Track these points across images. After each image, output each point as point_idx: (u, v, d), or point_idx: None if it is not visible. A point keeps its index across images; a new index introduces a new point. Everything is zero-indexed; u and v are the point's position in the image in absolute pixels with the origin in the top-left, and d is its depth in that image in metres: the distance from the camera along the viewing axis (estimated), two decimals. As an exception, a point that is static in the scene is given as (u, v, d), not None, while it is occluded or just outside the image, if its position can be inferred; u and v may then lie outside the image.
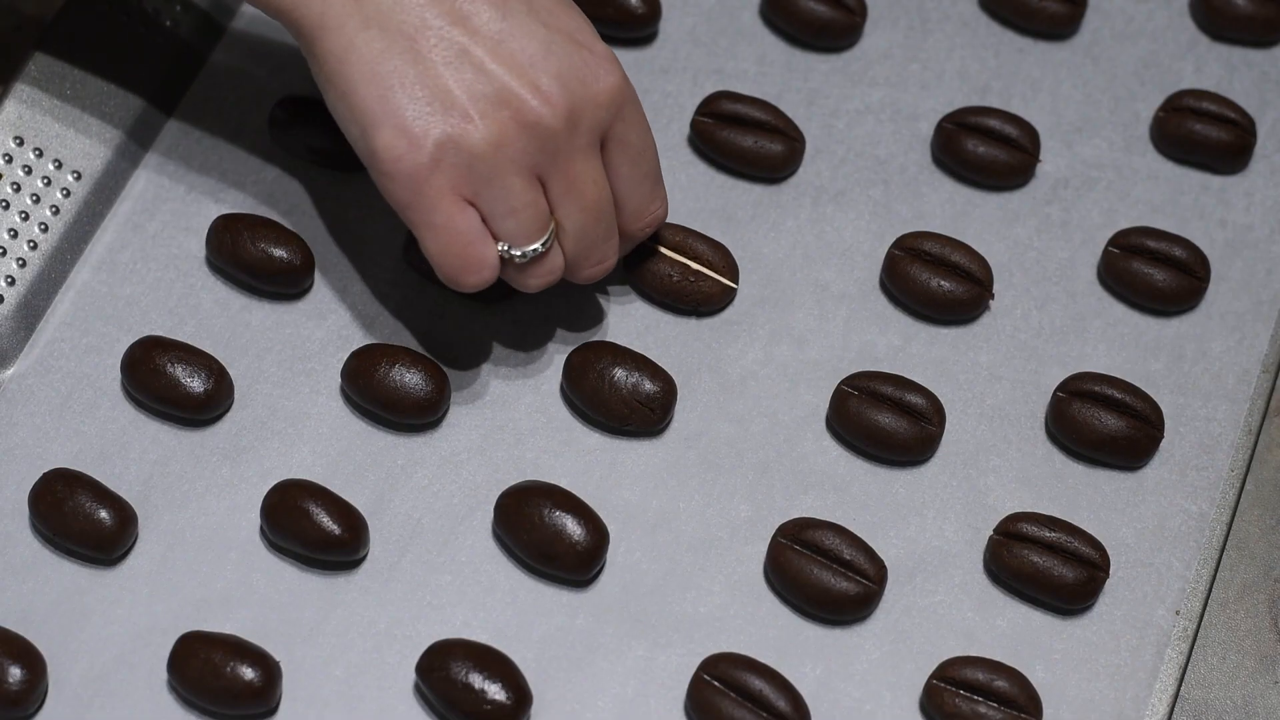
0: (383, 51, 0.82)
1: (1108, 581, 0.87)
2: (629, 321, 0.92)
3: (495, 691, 0.83)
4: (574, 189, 0.84)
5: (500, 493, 0.88)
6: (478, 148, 0.82)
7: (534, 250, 0.84)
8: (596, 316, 0.92)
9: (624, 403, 0.89)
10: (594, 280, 0.87)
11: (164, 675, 0.84)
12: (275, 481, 0.87)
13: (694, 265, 0.90)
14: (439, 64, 0.82)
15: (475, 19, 0.82)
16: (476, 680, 0.83)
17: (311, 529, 0.85)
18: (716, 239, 0.93)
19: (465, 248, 0.83)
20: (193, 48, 0.97)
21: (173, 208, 0.94)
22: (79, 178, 0.93)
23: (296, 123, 0.94)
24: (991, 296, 0.93)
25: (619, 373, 0.89)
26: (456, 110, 0.81)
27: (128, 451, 0.89)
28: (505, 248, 0.84)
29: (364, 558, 0.87)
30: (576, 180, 0.84)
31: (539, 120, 0.82)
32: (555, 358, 0.91)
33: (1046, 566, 0.86)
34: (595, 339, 0.91)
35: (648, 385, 0.89)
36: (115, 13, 0.96)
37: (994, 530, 0.88)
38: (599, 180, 0.85)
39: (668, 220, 0.93)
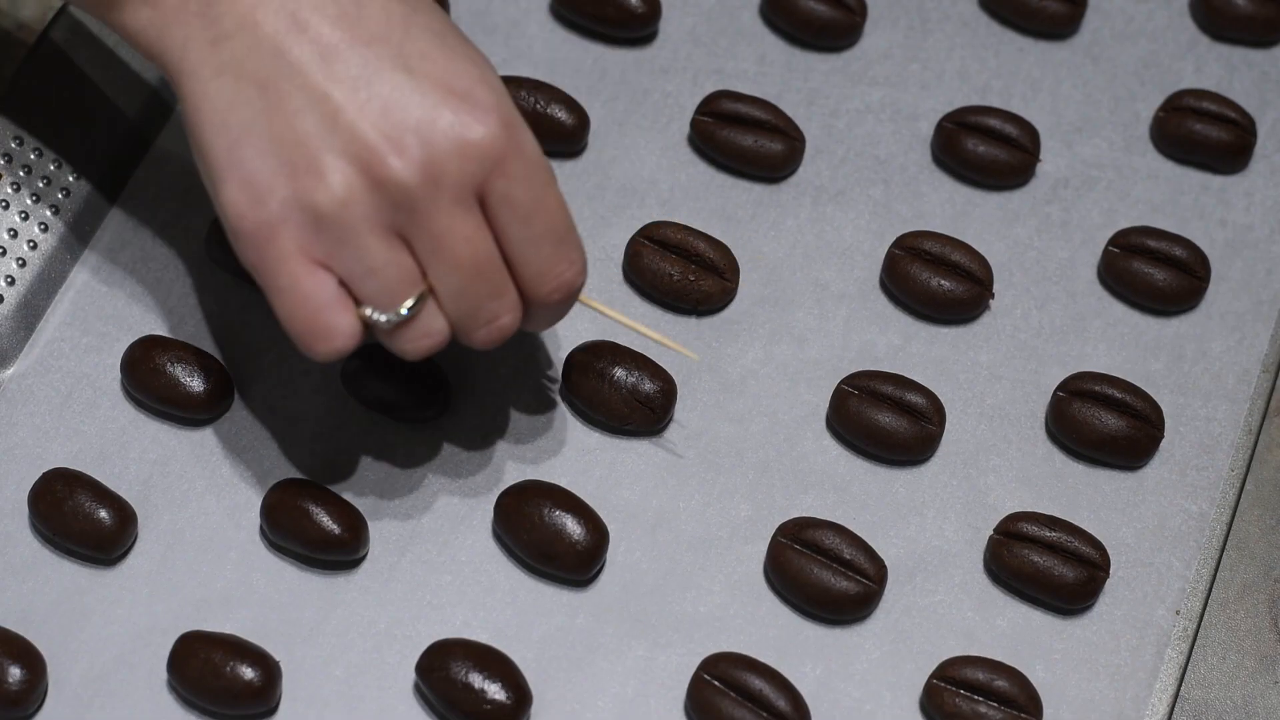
0: (232, 100, 0.76)
1: (1108, 581, 0.87)
2: (629, 321, 0.92)
3: (495, 691, 0.83)
4: (442, 249, 0.77)
5: (500, 493, 0.88)
6: (325, 206, 0.75)
7: (401, 314, 0.77)
8: (597, 317, 0.92)
9: (624, 402, 0.89)
10: (492, 343, 0.80)
11: (164, 675, 0.84)
12: (275, 481, 0.87)
13: (652, 334, 0.88)
14: (289, 114, 0.76)
15: (335, 63, 0.76)
16: (476, 680, 0.83)
17: (311, 529, 0.85)
18: (717, 239, 0.93)
19: (313, 314, 0.77)
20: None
21: (173, 208, 0.94)
22: (79, 178, 0.93)
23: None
24: (991, 296, 0.93)
25: (619, 372, 0.89)
26: (304, 165, 0.76)
27: (128, 451, 0.89)
28: (370, 312, 0.77)
29: (364, 558, 0.87)
30: (444, 239, 0.77)
31: (390, 176, 0.75)
32: (555, 358, 0.91)
33: (1046, 566, 0.86)
34: (595, 339, 0.91)
35: (648, 385, 0.89)
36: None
37: (994, 530, 0.88)
38: (472, 237, 0.77)
39: (668, 220, 0.93)
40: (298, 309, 0.77)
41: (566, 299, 0.81)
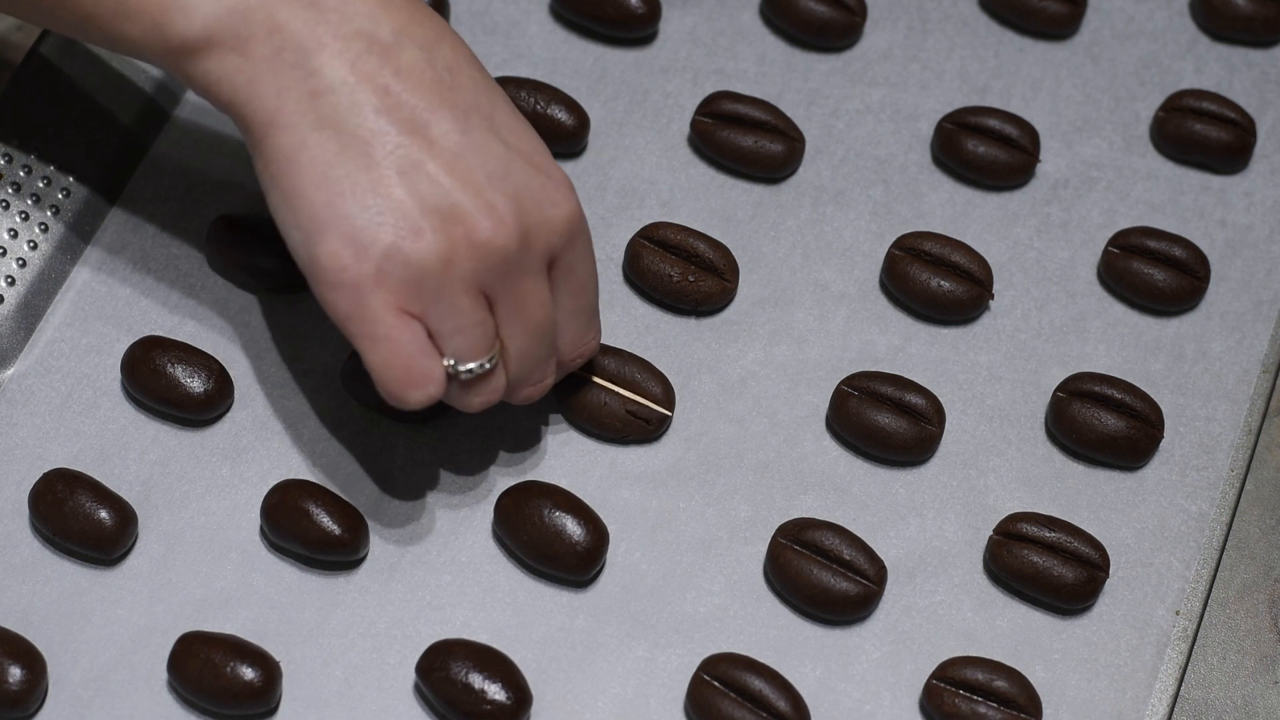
0: (336, 155, 0.78)
1: (1108, 581, 0.87)
2: (629, 321, 0.92)
3: (495, 691, 0.83)
4: (521, 311, 0.81)
5: (500, 493, 0.88)
6: (427, 263, 0.78)
7: (480, 368, 0.81)
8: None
9: (617, 417, 0.89)
10: (530, 401, 0.84)
11: (164, 675, 0.84)
12: (275, 481, 0.88)
13: (630, 395, 0.89)
14: (392, 173, 0.78)
15: (433, 130, 0.79)
16: (476, 680, 0.83)
17: (311, 529, 0.85)
18: (717, 239, 0.93)
19: (409, 360, 0.79)
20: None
21: (172, 208, 0.94)
22: (79, 178, 0.93)
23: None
24: (991, 296, 0.93)
25: (609, 399, 0.89)
26: (407, 223, 0.78)
27: (128, 451, 0.89)
28: (451, 363, 0.80)
29: (364, 558, 0.87)
30: (524, 302, 0.81)
31: (491, 240, 0.79)
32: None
33: (1046, 566, 0.86)
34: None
35: (640, 405, 0.89)
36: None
37: (994, 530, 0.88)
38: (545, 303, 0.82)
39: (668, 220, 0.94)
40: (394, 357, 0.79)
41: (577, 362, 0.86)
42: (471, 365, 0.80)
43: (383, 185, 0.78)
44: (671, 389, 0.90)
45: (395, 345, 0.79)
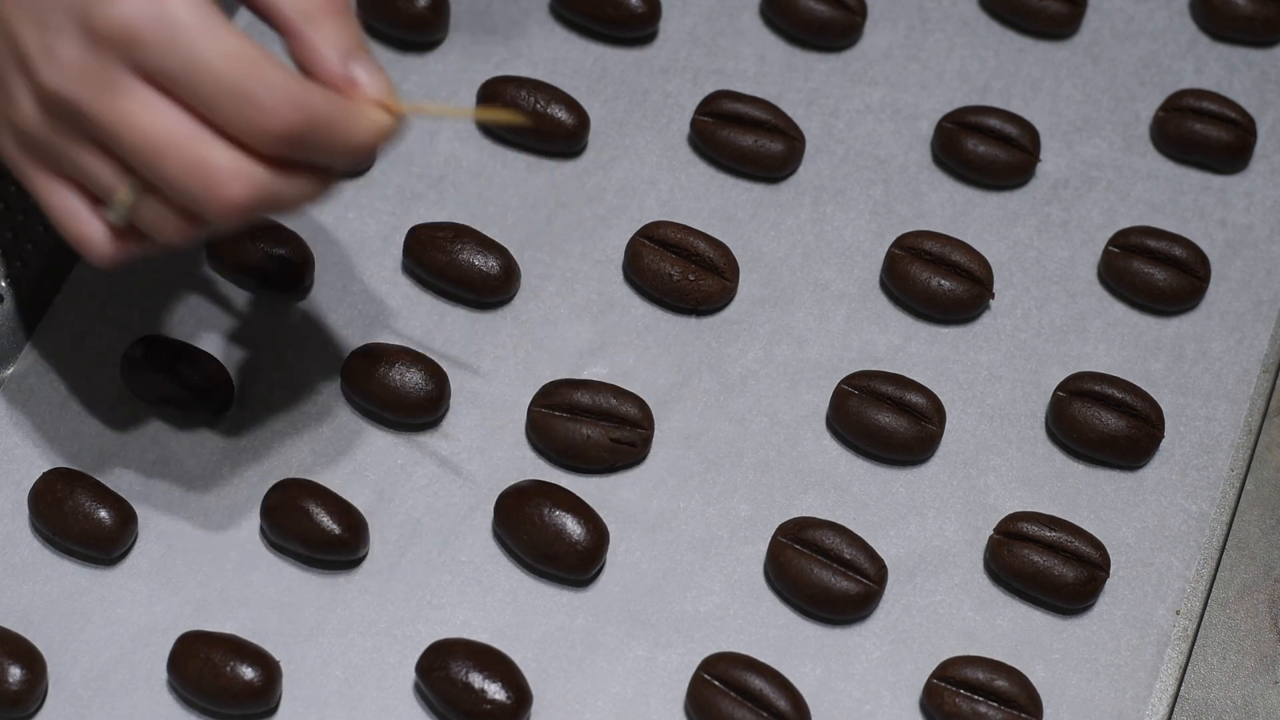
0: None
1: (1108, 581, 0.87)
2: (629, 321, 0.92)
3: (495, 691, 0.83)
4: (115, 140, 0.74)
5: (500, 493, 0.88)
6: (21, 124, 0.75)
7: (121, 211, 0.75)
8: (598, 316, 0.92)
9: (603, 449, 0.89)
10: (228, 219, 0.74)
11: (164, 675, 0.84)
12: (275, 481, 0.87)
13: (463, 111, 0.84)
14: None
15: None
16: (476, 680, 0.83)
17: (311, 529, 0.85)
18: (717, 239, 0.93)
19: (66, 226, 0.76)
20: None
21: (173, 208, 0.94)
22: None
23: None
24: (992, 296, 0.93)
25: (586, 428, 0.89)
26: (5, 90, 0.75)
27: (128, 451, 0.89)
28: (106, 210, 0.76)
29: (364, 558, 0.87)
30: (112, 131, 0.73)
31: (45, 85, 0.73)
32: (556, 359, 0.91)
33: (1047, 566, 0.86)
34: (596, 342, 0.91)
35: (624, 420, 0.89)
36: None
37: (994, 530, 0.88)
38: (140, 121, 0.73)
39: (668, 220, 0.93)
40: (56, 223, 0.77)
41: (285, 146, 0.74)
42: (113, 211, 0.75)
43: None
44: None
45: (51, 210, 0.77)
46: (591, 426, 0.88)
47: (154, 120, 0.73)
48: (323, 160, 0.75)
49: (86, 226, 0.76)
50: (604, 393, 0.89)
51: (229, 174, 0.73)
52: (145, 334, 0.91)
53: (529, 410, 0.89)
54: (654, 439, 0.90)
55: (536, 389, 0.90)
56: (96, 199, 0.76)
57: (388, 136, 0.76)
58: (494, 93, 0.95)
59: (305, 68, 0.76)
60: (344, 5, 0.76)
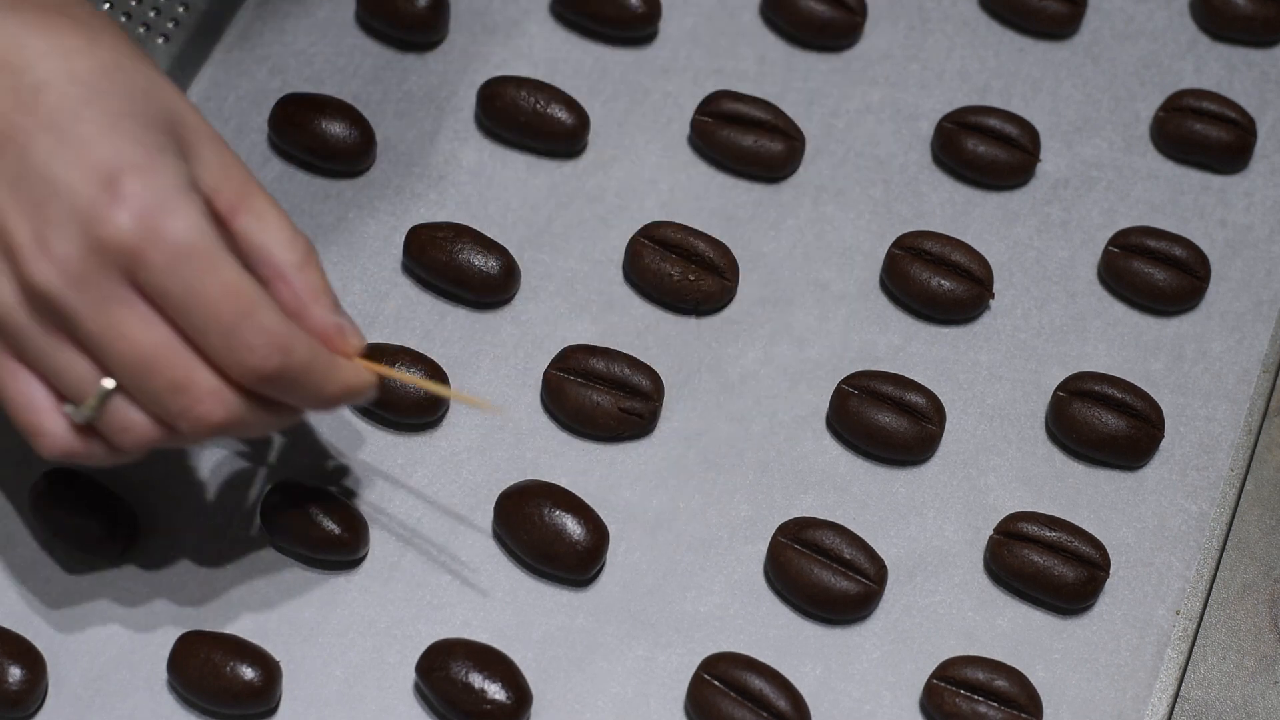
0: None
1: (1108, 581, 0.87)
2: (628, 321, 0.92)
3: (495, 691, 0.83)
4: (100, 348, 0.74)
5: (500, 493, 0.88)
6: None
7: (87, 413, 0.75)
8: (598, 316, 0.92)
9: (611, 416, 0.89)
10: (199, 436, 0.76)
11: (164, 675, 0.84)
12: (275, 481, 0.87)
13: (450, 394, 0.86)
14: None
15: (2, 156, 0.73)
16: (476, 680, 0.83)
17: (311, 529, 0.85)
18: (717, 239, 0.93)
19: (20, 415, 0.76)
20: (193, 47, 0.97)
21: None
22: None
23: (296, 122, 0.94)
24: (992, 296, 0.93)
25: (597, 395, 0.89)
26: None
27: (128, 451, 0.89)
28: (67, 408, 0.75)
29: (364, 558, 0.87)
30: (96, 338, 0.73)
31: (31, 281, 0.73)
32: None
33: (1047, 566, 0.86)
34: (595, 342, 0.91)
35: (635, 391, 0.89)
36: (116, 15, 0.96)
37: (994, 530, 0.88)
38: (131, 333, 0.73)
39: (668, 220, 0.93)
40: (9, 409, 0.76)
41: (263, 383, 0.76)
42: (78, 412, 0.75)
43: None
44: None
45: (8, 395, 0.76)
46: (602, 394, 0.88)
47: (144, 334, 0.74)
48: (292, 401, 0.77)
49: (43, 418, 0.76)
50: (619, 361, 0.89)
51: (209, 395, 0.75)
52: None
53: (545, 373, 0.89)
54: (654, 439, 0.90)
55: (537, 389, 0.90)
56: (58, 392, 0.76)
57: (358, 395, 0.79)
58: (494, 93, 0.95)
59: (293, 312, 0.77)
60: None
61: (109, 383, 0.75)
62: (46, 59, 0.74)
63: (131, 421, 0.76)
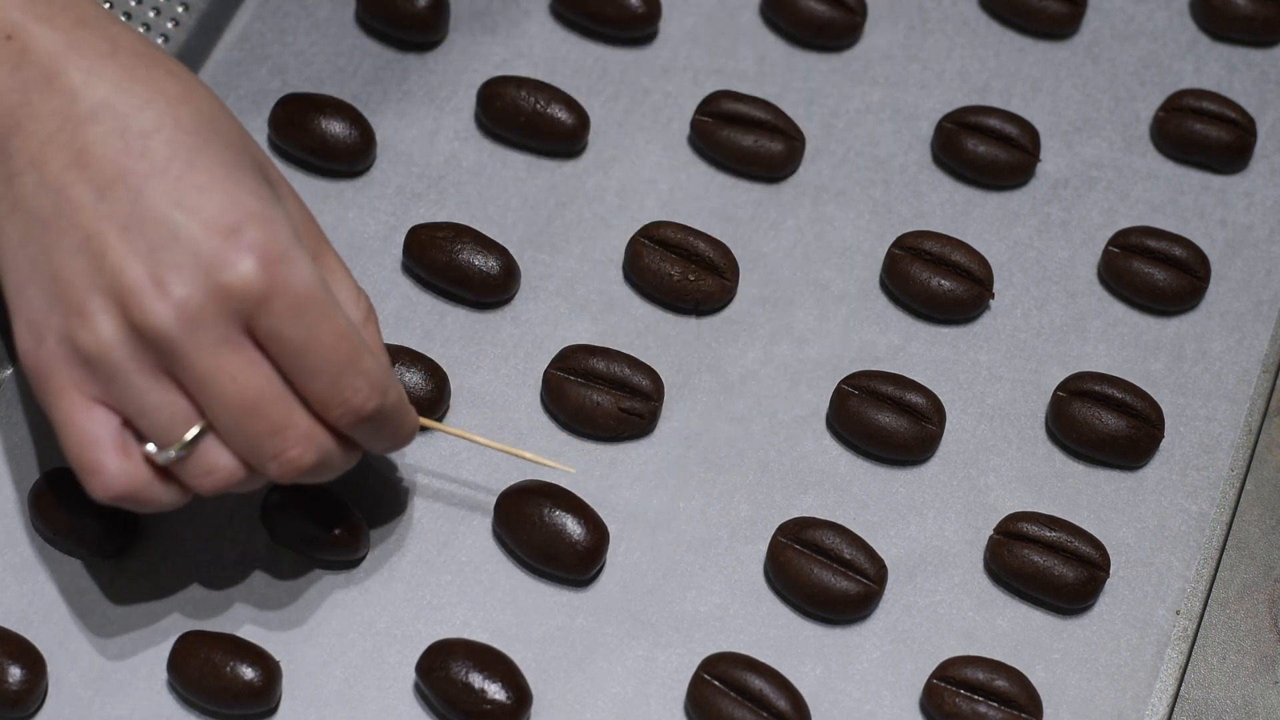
0: (22, 239, 0.76)
1: (1108, 581, 0.87)
2: (628, 321, 0.92)
3: (495, 691, 0.83)
4: (206, 388, 0.76)
5: (500, 493, 0.88)
6: (90, 348, 0.75)
7: (173, 454, 0.76)
8: (598, 316, 0.92)
9: (611, 416, 0.89)
10: (287, 478, 0.78)
11: (164, 675, 0.84)
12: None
13: (514, 451, 0.86)
14: (65, 253, 0.75)
15: (110, 200, 0.75)
16: (476, 680, 0.83)
17: (311, 529, 0.85)
18: (717, 239, 0.93)
19: (81, 450, 0.76)
20: (193, 47, 0.97)
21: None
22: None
23: (296, 122, 0.94)
24: (992, 296, 0.93)
25: (597, 395, 0.89)
26: (74, 306, 0.75)
27: (128, 451, 0.89)
28: (150, 448, 0.76)
29: (364, 558, 0.87)
30: (207, 379, 0.75)
31: (147, 320, 0.74)
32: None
33: (1047, 566, 0.86)
34: (595, 342, 0.91)
35: (635, 391, 0.89)
36: (116, 15, 0.96)
37: (994, 530, 0.88)
38: (238, 376, 0.75)
39: (668, 220, 0.93)
40: (69, 444, 0.77)
41: (359, 424, 0.78)
42: (164, 452, 0.77)
43: (55, 268, 0.75)
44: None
45: (67, 430, 0.76)
46: (602, 394, 0.88)
47: (252, 377, 0.76)
48: (375, 442, 0.80)
49: (105, 456, 0.77)
50: (619, 361, 0.89)
51: (305, 438, 0.77)
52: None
53: (545, 373, 0.89)
54: (654, 439, 0.90)
55: (537, 389, 0.90)
56: (136, 432, 0.77)
57: (413, 438, 0.82)
58: (494, 93, 0.95)
59: None
60: None
61: (199, 425, 0.76)
62: (151, 106, 0.77)
63: (218, 464, 0.77)
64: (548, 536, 0.86)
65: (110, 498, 0.77)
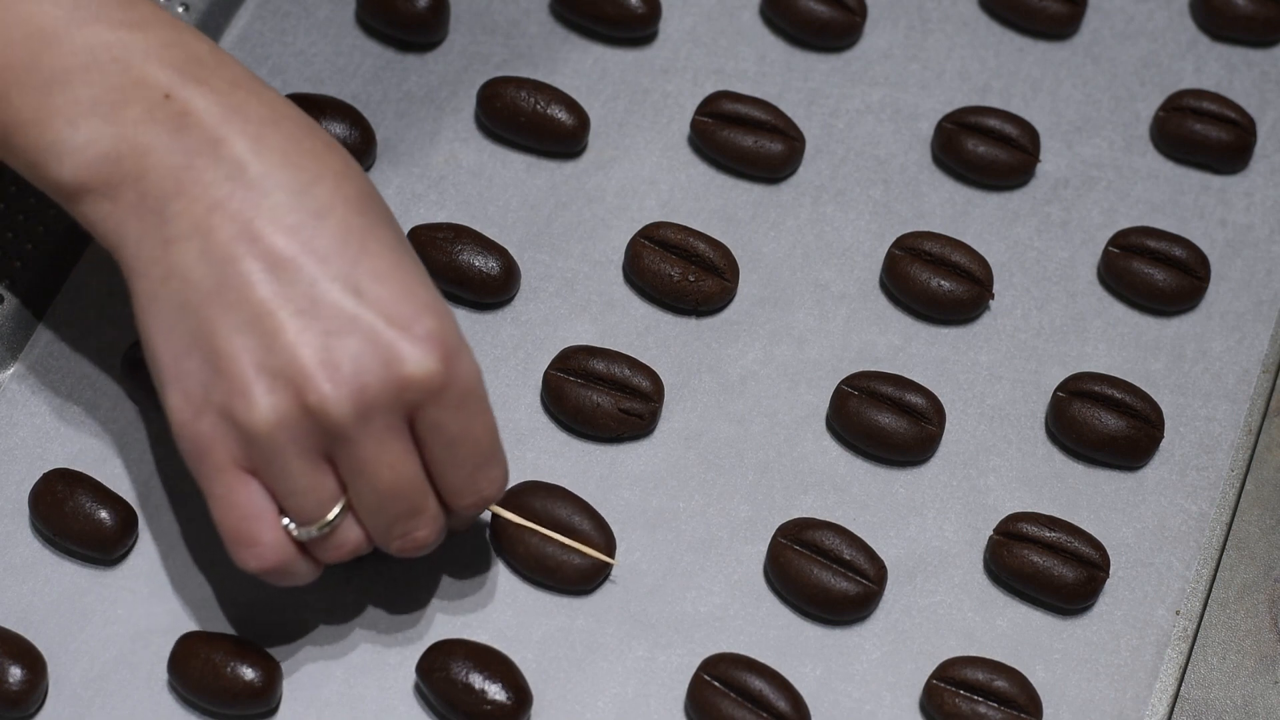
0: (180, 308, 0.76)
1: (1108, 581, 0.87)
2: (628, 321, 0.92)
3: (495, 691, 0.83)
4: (364, 473, 0.77)
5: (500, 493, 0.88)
6: (254, 427, 0.75)
7: (318, 531, 0.78)
8: (598, 317, 0.92)
9: (611, 417, 0.89)
10: (406, 554, 0.80)
11: (164, 675, 0.84)
12: (275, 482, 0.88)
13: (563, 540, 0.85)
14: (230, 330, 0.75)
15: (282, 279, 0.75)
16: (476, 680, 0.83)
17: (311, 529, 0.85)
18: (717, 239, 0.93)
19: (239, 523, 0.77)
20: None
21: (173, 208, 0.94)
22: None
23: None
24: (992, 296, 0.93)
25: (597, 395, 0.89)
26: (238, 383, 0.75)
27: (128, 451, 0.89)
28: (288, 523, 0.78)
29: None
30: (367, 465, 0.76)
31: (321, 405, 0.75)
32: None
33: (1046, 566, 0.86)
34: (595, 343, 0.91)
35: (635, 391, 0.89)
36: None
37: (994, 530, 0.88)
38: (397, 464, 0.77)
39: (668, 220, 0.94)
40: (224, 516, 0.77)
41: (481, 511, 0.81)
42: (306, 530, 0.78)
43: (220, 343, 0.75)
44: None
45: (227, 503, 0.77)
46: (602, 394, 0.88)
47: (405, 464, 0.77)
48: (455, 529, 0.82)
49: (264, 530, 0.77)
50: (618, 362, 0.89)
51: (431, 520, 0.79)
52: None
53: (545, 373, 0.89)
54: (654, 439, 0.90)
55: (537, 389, 0.90)
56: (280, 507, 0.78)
57: None
58: (494, 93, 0.95)
59: None
60: None
61: (341, 503, 0.78)
62: (321, 184, 0.77)
63: (349, 539, 0.79)
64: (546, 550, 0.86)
65: (260, 570, 0.78)
